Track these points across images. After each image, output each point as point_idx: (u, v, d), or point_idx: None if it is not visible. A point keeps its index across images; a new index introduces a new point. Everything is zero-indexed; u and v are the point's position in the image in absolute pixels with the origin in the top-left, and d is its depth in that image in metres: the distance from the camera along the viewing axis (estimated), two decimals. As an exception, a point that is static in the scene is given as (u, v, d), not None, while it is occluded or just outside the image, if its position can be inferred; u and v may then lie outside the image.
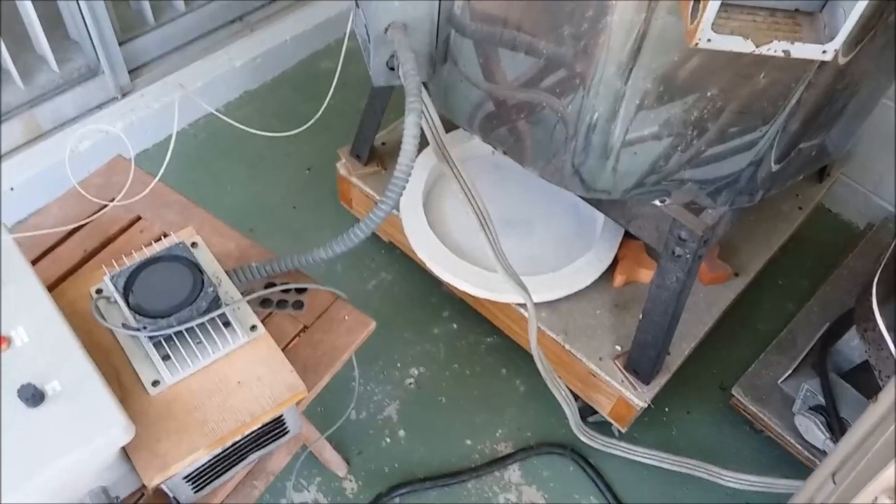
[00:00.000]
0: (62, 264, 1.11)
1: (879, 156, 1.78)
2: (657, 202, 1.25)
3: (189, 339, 0.94)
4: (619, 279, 1.48)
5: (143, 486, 0.95)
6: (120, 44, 1.83)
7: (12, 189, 1.71)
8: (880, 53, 1.15)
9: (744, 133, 1.16)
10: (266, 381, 0.94)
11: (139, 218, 1.18)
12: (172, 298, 0.92)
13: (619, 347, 1.40)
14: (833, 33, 0.90)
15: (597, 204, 1.34)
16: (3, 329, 0.85)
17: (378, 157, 1.71)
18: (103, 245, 1.14)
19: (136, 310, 0.92)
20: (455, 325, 1.67)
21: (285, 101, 2.10)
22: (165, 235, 1.16)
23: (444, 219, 1.58)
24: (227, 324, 0.96)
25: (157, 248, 0.99)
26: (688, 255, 1.23)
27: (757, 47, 0.90)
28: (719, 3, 0.85)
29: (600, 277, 1.47)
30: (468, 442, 1.51)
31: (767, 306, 1.73)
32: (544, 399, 1.55)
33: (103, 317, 0.93)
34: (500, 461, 1.48)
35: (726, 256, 1.55)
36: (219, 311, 0.94)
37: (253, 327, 0.98)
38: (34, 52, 1.77)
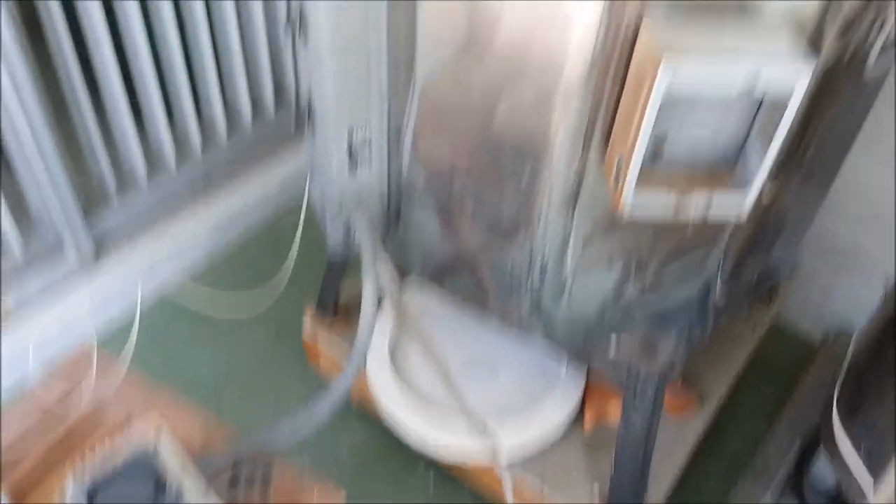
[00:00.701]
0: (26, 465, 1.09)
1: (824, 267, 1.86)
2: (613, 340, 1.29)
3: (153, 539, 0.92)
4: (588, 418, 1.49)
5: None
6: (84, 218, 1.88)
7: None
8: (802, 184, 1.23)
9: (685, 267, 1.21)
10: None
11: (104, 408, 1.18)
12: (135, 498, 0.91)
13: (597, 488, 1.39)
14: (747, 188, 0.98)
15: (557, 345, 1.36)
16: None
17: (344, 311, 1.74)
18: (68, 439, 1.13)
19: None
20: (432, 478, 1.64)
21: (252, 261, 2.14)
22: (130, 421, 1.16)
23: (413, 371, 1.59)
24: (192, 519, 0.95)
25: (121, 444, 0.99)
26: (649, 392, 1.25)
27: (677, 214, 0.96)
28: (637, 173, 0.92)
29: (573, 419, 1.47)
30: None
31: (736, 429, 1.73)
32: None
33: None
34: None
35: (689, 384, 1.58)
36: (180, 505, 0.93)
37: (218, 517, 0.96)
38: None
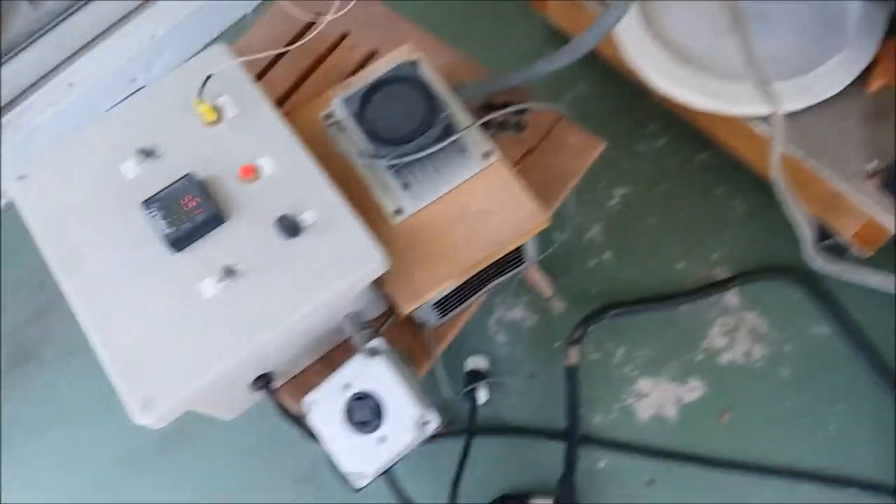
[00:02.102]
0: (277, 88, 1.07)
1: None
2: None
3: (426, 167, 0.88)
4: (876, 83, 1.25)
5: (387, 312, 0.96)
6: None
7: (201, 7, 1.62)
8: None
9: None
10: (507, 210, 0.89)
11: (346, 34, 1.11)
12: (408, 124, 0.86)
13: (872, 164, 1.22)
14: None
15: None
16: (250, 159, 0.83)
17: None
18: (314, 65, 1.09)
19: (372, 136, 0.87)
20: (663, 141, 1.53)
21: None
22: (375, 52, 1.09)
23: (663, 20, 1.38)
24: (462, 150, 0.89)
25: (380, 67, 0.92)
26: None
27: None
28: None
29: (851, 83, 1.25)
30: (680, 266, 1.43)
31: None
32: (767, 221, 1.41)
33: (338, 145, 0.90)
34: (718, 285, 1.39)
35: None
36: (454, 137, 0.87)
37: (486, 153, 0.91)
38: None
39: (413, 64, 0.90)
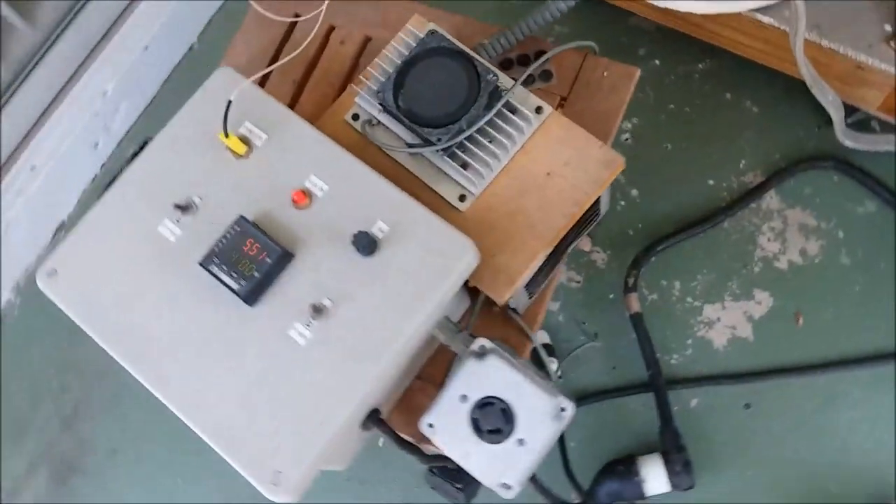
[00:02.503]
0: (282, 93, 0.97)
1: None
2: None
3: (480, 140, 0.80)
4: (865, -55, 1.22)
5: (471, 307, 0.88)
6: None
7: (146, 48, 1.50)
8: None
9: None
10: (575, 163, 0.81)
11: (332, 28, 1.01)
12: (453, 98, 0.77)
13: (888, 27, 1.18)
14: None
15: None
16: (298, 183, 0.73)
17: None
18: (309, 69, 0.99)
19: (417, 123, 0.78)
20: (657, 62, 1.47)
21: None
22: (369, 39, 1.00)
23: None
24: (513, 111, 0.81)
25: (398, 48, 0.83)
26: None
27: None
28: None
29: (842, -50, 1.21)
30: (710, 182, 1.38)
31: None
32: (783, 115, 1.38)
33: (377, 144, 0.81)
34: (754, 192, 1.35)
35: None
36: (506, 98, 0.79)
37: (538, 108, 0.83)
38: None
39: (434, 34, 0.81)
